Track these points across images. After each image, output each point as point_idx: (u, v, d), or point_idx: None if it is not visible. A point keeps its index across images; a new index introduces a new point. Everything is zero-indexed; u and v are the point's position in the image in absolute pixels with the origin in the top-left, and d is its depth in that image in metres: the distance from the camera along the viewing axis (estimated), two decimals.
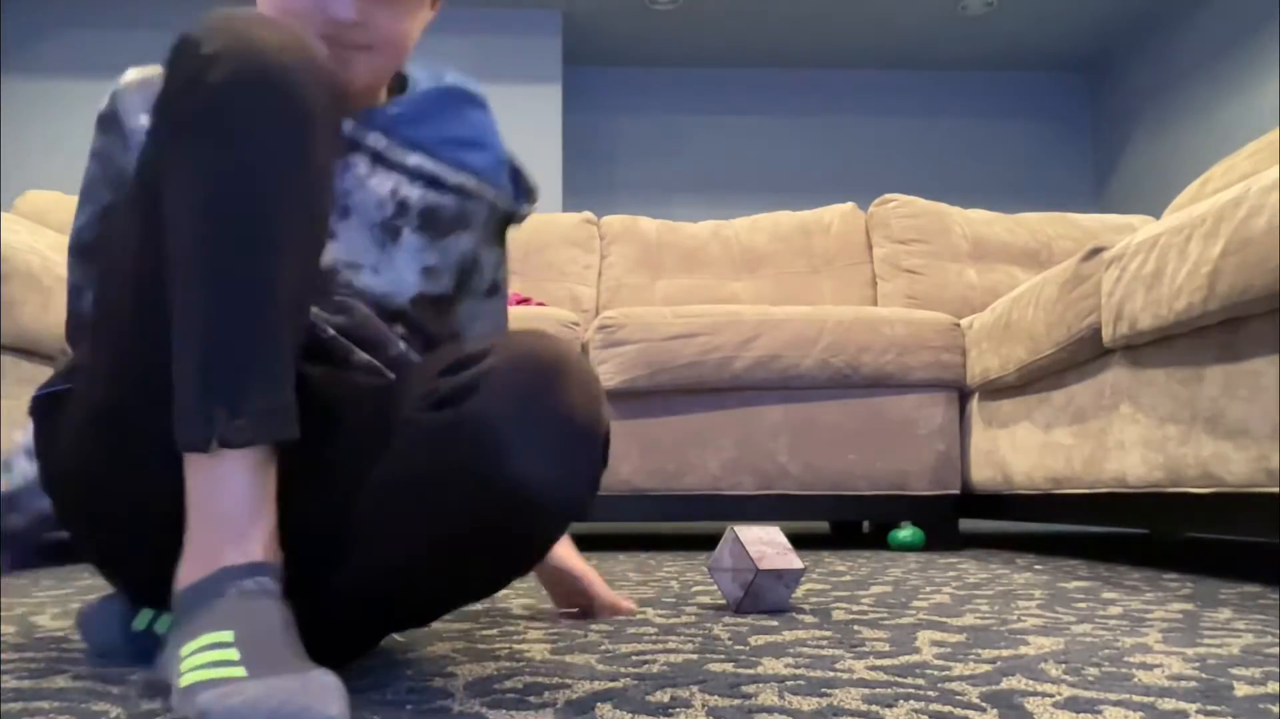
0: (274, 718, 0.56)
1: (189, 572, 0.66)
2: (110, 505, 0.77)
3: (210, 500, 0.66)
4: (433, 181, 0.92)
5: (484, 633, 1.00)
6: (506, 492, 0.64)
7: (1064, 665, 0.80)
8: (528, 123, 5.14)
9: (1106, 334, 1.65)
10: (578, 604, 1.14)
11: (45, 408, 0.83)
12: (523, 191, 1.02)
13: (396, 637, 0.97)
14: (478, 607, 1.22)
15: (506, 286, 1.09)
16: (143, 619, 0.86)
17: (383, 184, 0.90)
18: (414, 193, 0.91)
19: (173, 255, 0.67)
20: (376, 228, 0.90)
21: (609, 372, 2.30)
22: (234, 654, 0.60)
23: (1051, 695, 0.69)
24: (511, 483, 0.64)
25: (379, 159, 0.90)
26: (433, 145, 0.93)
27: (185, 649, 0.62)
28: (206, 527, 0.66)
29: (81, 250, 0.91)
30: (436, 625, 1.05)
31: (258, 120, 0.66)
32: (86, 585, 1.48)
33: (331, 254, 0.87)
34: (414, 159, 0.92)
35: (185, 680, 0.60)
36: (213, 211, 0.66)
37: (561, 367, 0.67)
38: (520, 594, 1.36)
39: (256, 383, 0.66)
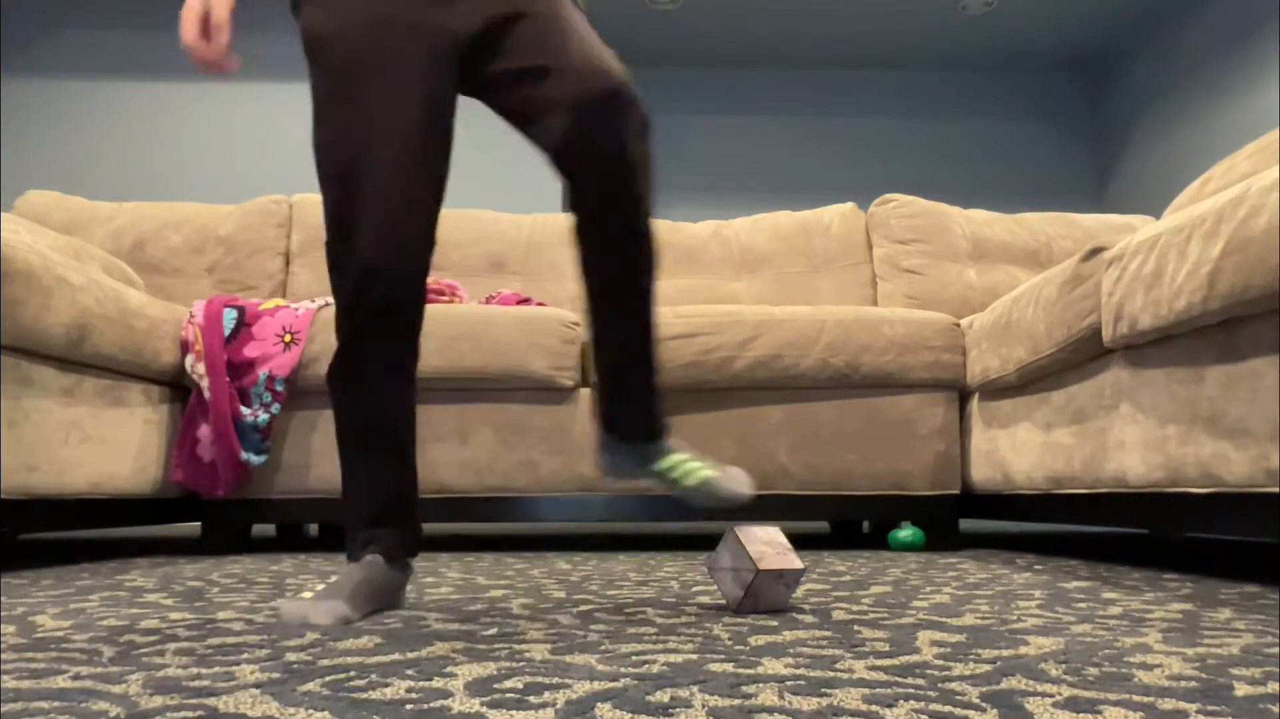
0: (284, 618, 1.08)
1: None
2: None
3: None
4: None
5: (484, 633, 1.00)
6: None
7: (1064, 665, 0.80)
8: None
9: (1106, 334, 1.65)
10: None
11: None
12: None
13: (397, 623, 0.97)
14: (477, 606, 1.22)
15: None
16: (661, 464, 1.36)
17: None
18: None
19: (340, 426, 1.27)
20: None
21: None
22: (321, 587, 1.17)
23: (1051, 695, 0.69)
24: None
25: None
26: None
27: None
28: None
29: None
30: (436, 626, 1.05)
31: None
32: (86, 585, 1.48)
33: None
34: None
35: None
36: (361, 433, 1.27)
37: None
38: (520, 594, 1.36)
39: (388, 529, 1.25)
